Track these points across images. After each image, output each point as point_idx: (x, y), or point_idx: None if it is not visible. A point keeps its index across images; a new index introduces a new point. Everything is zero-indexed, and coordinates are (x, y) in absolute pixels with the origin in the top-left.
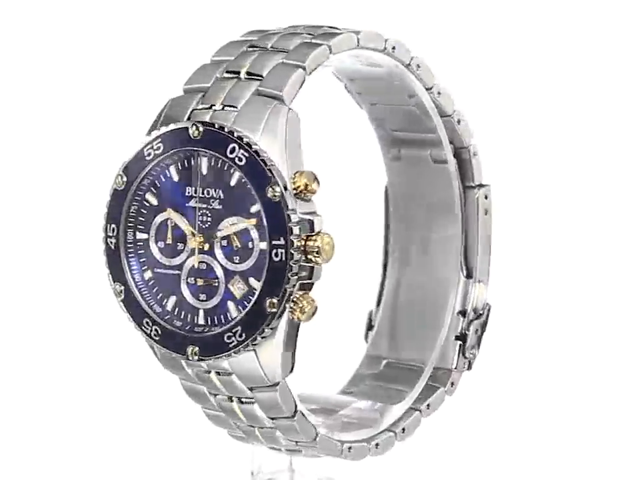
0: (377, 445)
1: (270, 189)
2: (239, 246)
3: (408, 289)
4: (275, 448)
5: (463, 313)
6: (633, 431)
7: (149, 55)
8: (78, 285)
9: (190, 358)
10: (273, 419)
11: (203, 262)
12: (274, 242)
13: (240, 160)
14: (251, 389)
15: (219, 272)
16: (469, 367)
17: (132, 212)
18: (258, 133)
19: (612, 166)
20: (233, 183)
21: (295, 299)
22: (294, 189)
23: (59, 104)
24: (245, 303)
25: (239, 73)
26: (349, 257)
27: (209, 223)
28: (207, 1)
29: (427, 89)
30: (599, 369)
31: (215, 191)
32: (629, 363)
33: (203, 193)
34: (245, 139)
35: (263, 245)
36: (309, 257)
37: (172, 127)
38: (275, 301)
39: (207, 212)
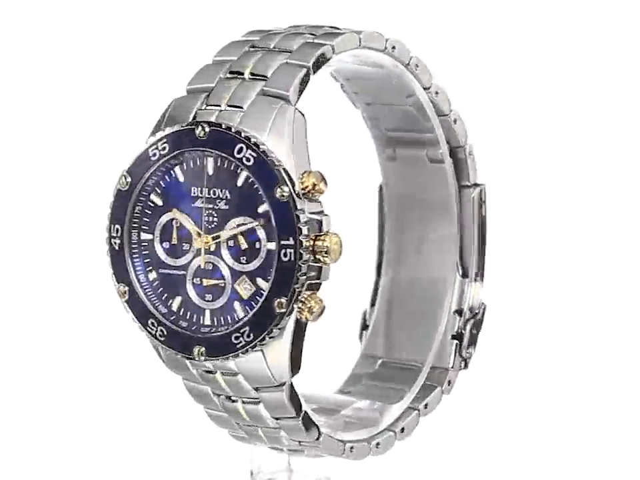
0: (377, 444)
1: (278, 189)
2: (246, 246)
3: (403, 288)
4: (277, 448)
5: (459, 312)
6: (631, 429)
7: (149, 54)
8: (82, 286)
9: (196, 358)
10: (277, 419)
11: (209, 262)
12: (283, 242)
13: (248, 160)
14: (256, 389)
15: (226, 272)
16: (466, 366)
17: (136, 212)
18: (265, 133)
19: (608, 165)
20: (239, 183)
21: (303, 299)
22: (302, 189)
23: (62, 105)
24: (252, 303)
25: (242, 73)
26: (344, 257)
27: (215, 223)
28: (207, 1)
29: (424, 89)
30: (595, 367)
31: (222, 191)
32: (626, 360)
33: (209, 194)
34: (252, 139)
35: (271, 245)
36: (318, 256)
37: (177, 127)
38: (283, 301)
39: (214, 212)
